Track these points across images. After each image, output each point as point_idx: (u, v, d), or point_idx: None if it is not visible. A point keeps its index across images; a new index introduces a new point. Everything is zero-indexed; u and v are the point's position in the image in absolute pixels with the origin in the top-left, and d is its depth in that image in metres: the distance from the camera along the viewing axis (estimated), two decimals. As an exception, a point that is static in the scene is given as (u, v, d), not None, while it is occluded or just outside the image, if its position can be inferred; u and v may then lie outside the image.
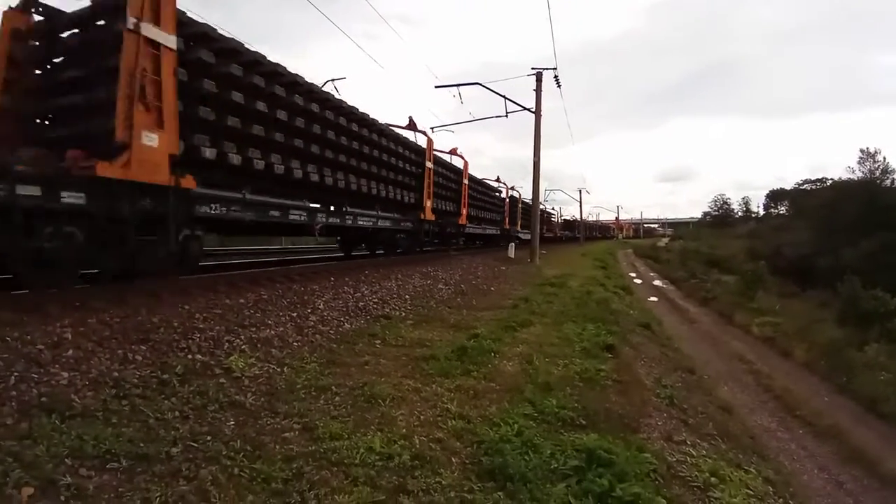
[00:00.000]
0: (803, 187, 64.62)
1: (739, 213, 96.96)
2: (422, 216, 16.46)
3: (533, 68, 23.99)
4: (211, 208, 7.86)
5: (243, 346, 5.68)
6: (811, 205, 44.53)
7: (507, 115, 24.20)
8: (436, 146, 17.19)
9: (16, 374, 3.95)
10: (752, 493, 4.18)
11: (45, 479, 2.87)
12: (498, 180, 31.11)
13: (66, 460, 3.07)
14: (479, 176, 26.33)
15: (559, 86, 26.05)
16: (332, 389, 4.78)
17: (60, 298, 5.69)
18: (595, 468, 3.51)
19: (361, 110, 12.36)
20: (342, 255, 15.50)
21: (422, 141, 16.73)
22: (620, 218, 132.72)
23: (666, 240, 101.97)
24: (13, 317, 4.96)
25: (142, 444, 3.34)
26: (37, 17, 7.49)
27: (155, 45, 6.63)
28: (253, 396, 4.45)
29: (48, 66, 7.60)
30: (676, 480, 3.94)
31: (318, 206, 10.96)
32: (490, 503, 3.17)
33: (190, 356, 5.10)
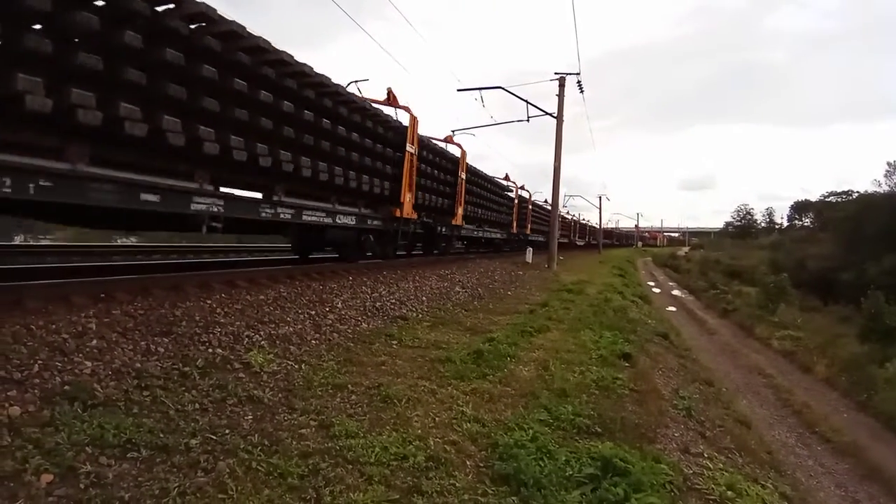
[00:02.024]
0: (829, 199, 63.61)
1: (763, 224, 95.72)
2: (397, 213, 12.42)
3: (556, 73, 23.94)
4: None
5: (262, 342, 5.74)
6: (836, 217, 43.80)
7: (528, 120, 24.16)
8: (404, 116, 12.88)
9: (40, 361, 4.02)
10: (768, 508, 4.13)
11: (65, 466, 2.91)
12: (507, 178, 26.72)
13: (86, 448, 3.11)
14: (495, 177, 23.74)
15: (582, 91, 26.03)
16: (348, 388, 4.81)
17: (86, 289, 5.79)
18: (610, 477, 3.48)
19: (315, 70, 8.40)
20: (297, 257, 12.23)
21: (404, 118, 12.79)
22: (641, 226, 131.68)
23: (686, 249, 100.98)
24: (39, 305, 5.05)
25: (162, 435, 3.39)
26: None
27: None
28: (271, 392, 4.50)
29: None
30: (692, 493, 3.90)
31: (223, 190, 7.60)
32: (504, 508, 3.16)
33: (211, 350, 5.16)
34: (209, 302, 6.50)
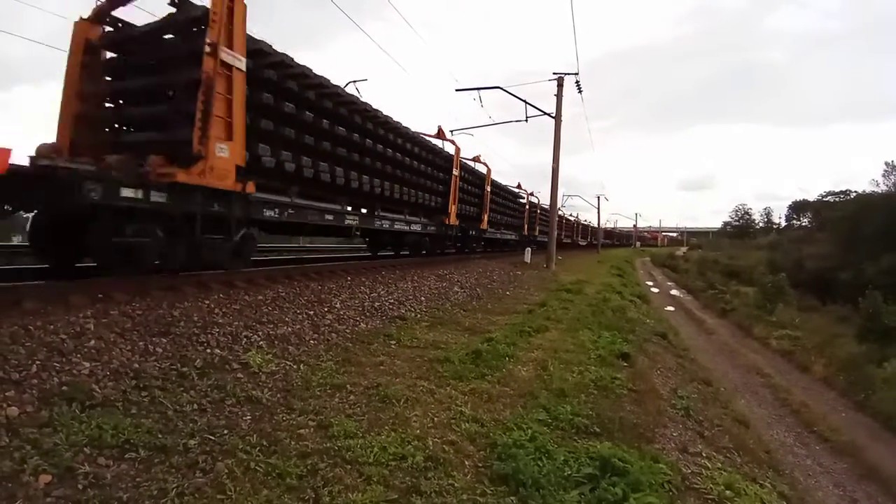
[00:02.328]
0: (826, 199, 63.66)
1: (761, 224, 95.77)
2: (446, 220, 16.94)
3: (554, 73, 23.96)
4: (266, 212, 8.41)
5: (261, 343, 5.74)
6: (834, 217, 43.85)
7: (526, 120, 24.19)
8: (449, 147, 17.50)
9: (38, 362, 4.02)
10: (767, 507, 4.13)
11: (63, 466, 2.92)
12: (519, 187, 30.66)
13: (84, 449, 3.12)
14: (500, 181, 26.11)
15: (580, 91, 26.04)
16: (347, 388, 4.81)
17: (84, 289, 5.78)
18: (609, 477, 3.49)
19: (395, 119, 12.54)
20: (369, 255, 15.95)
21: (450, 149, 17.38)
22: (639, 226, 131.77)
23: (684, 249, 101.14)
24: (37, 306, 5.05)
25: (160, 436, 3.39)
26: (107, 28, 7.86)
27: (228, 66, 7.00)
28: (269, 392, 4.50)
29: (120, 77, 7.96)
30: (691, 492, 3.91)
31: (354, 209, 11.54)
32: (502, 507, 3.16)
33: (209, 350, 5.16)
34: (207, 302, 6.49)
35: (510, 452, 3.69)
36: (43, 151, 6.40)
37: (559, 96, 23.83)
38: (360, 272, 11.08)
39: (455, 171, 17.21)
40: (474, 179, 20.51)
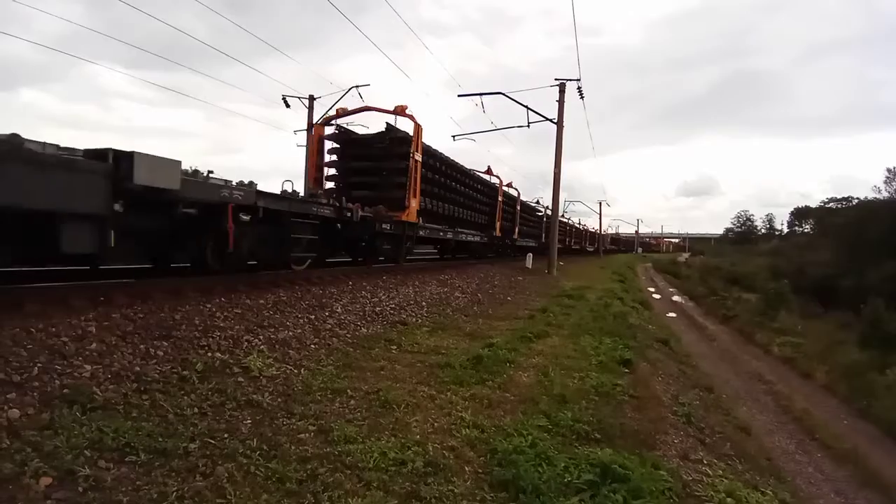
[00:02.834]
0: (829, 206, 63.58)
1: (763, 231, 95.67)
2: (494, 233, 24.59)
3: (556, 79, 24.02)
4: (420, 232, 15.74)
5: (262, 347, 5.74)
6: (836, 224, 43.79)
7: (528, 126, 24.25)
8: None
9: (39, 364, 4.03)
10: (768, 515, 4.12)
11: (64, 469, 2.92)
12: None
13: (85, 452, 3.12)
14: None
15: (582, 97, 26.08)
16: (347, 393, 4.81)
17: (86, 292, 5.80)
18: (609, 483, 3.47)
19: (462, 164, 20.42)
20: (438, 257, 21.42)
21: (495, 180, 25.41)
22: (641, 232, 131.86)
23: (686, 255, 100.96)
24: (39, 309, 5.06)
25: (160, 439, 3.38)
26: (328, 130, 15.91)
27: (416, 160, 14.70)
28: (270, 396, 4.49)
29: (343, 158, 15.66)
30: (692, 499, 3.88)
31: (449, 228, 18.64)
32: (502, 514, 3.16)
33: (210, 354, 5.16)
34: (209, 306, 6.51)
35: (510, 458, 3.68)
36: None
37: (561, 102, 23.88)
38: (362, 277, 11.09)
39: (500, 198, 25.34)
40: (511, 202, 28.52)
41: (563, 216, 40.40)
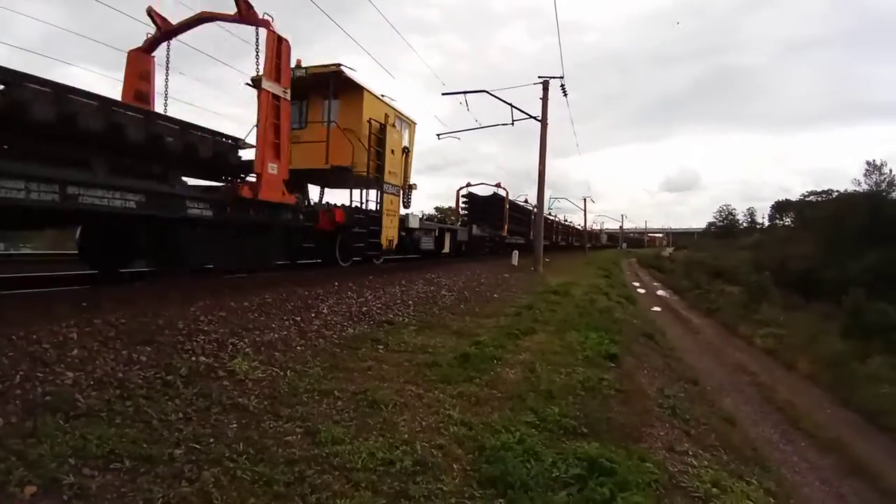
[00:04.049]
0: (809, 199, 64.47)
1: (744, 224, 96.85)
2: (502, 233, 30.99)
3: (539, 77, 24.11)
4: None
5: (247, 349, 5.69)
6: (816, 217, 44.42)
7: (513, 123, 24.30)
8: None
9: (21, 372, 3.97)
10: (753, 504, 4.17)
11: (48, 477, 2.87)
12: (526, 202, 38.56)
13: (69, 460, 3.07)
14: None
15: (566, 94, 26.14)
16: (334, 394, 4.79)
17: (68, 298, 5.73)
18: (597, 477, 3.50)
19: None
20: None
21: (501, 192, 32.36)
22: (625, 227, 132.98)
23: (670, 250, 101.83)
24: (20, 316, 4.99)
25: (145, 445, 3.35)
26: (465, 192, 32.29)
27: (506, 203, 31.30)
28: (256, 399, 4.46)
29: (472, 205, 31.74)
30: (678, 491, 3.93)
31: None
32: (491, 510, 3.17)
33: (194, 358, 5.12)
34: (192, 309, 6.45)
35: (498, 455, 3.69)
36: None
37: (545, 99, 23.94)
38: (348, 277, 11.06)
39: (506, 206, 31.93)
40: (518, 208, 35.65)
41: (549, 213, 41.16)
